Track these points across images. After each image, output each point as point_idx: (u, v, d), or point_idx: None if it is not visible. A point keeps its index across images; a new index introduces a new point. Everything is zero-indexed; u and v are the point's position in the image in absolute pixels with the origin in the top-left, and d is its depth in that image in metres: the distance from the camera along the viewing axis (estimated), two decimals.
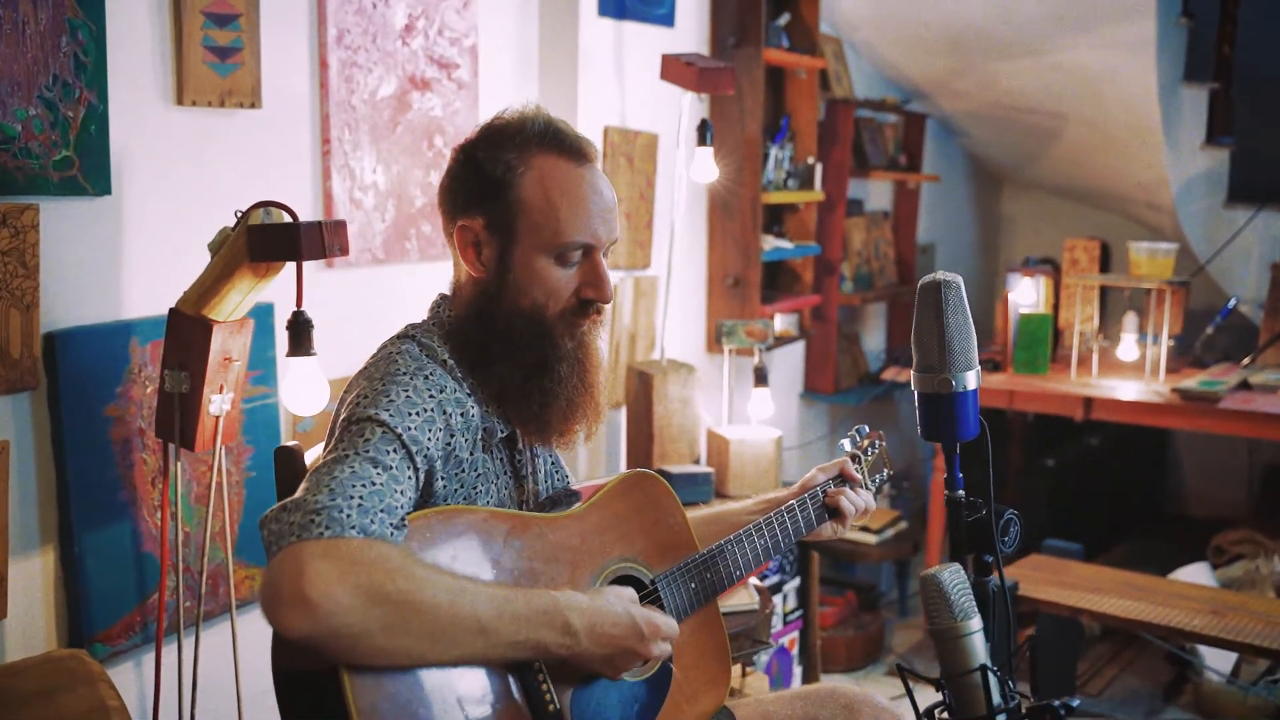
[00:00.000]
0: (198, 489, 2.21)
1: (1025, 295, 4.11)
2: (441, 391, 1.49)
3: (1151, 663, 3.82)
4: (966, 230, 5.63)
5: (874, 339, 4.94)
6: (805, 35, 3.96)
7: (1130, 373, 3.97)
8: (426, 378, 1.49)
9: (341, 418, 1.46)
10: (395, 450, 1.39)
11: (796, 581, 3.36)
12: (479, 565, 1.42)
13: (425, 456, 1.43)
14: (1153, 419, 3.81)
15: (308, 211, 2.48)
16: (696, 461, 3.23)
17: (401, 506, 1.35)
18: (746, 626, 2.41)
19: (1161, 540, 4.84)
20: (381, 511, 1.32)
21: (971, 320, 1.58)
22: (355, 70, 2.54)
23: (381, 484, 1.34)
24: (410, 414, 1.43)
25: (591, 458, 3.26)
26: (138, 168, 2.13)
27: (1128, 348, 4.00)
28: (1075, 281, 4.11)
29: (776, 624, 3.23)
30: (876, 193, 4.89)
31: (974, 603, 1.41)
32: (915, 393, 1.59)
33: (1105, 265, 4.64)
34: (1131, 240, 4.26)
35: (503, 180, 1.54)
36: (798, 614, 3.37)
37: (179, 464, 2.06)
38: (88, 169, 2.03)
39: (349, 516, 1.28)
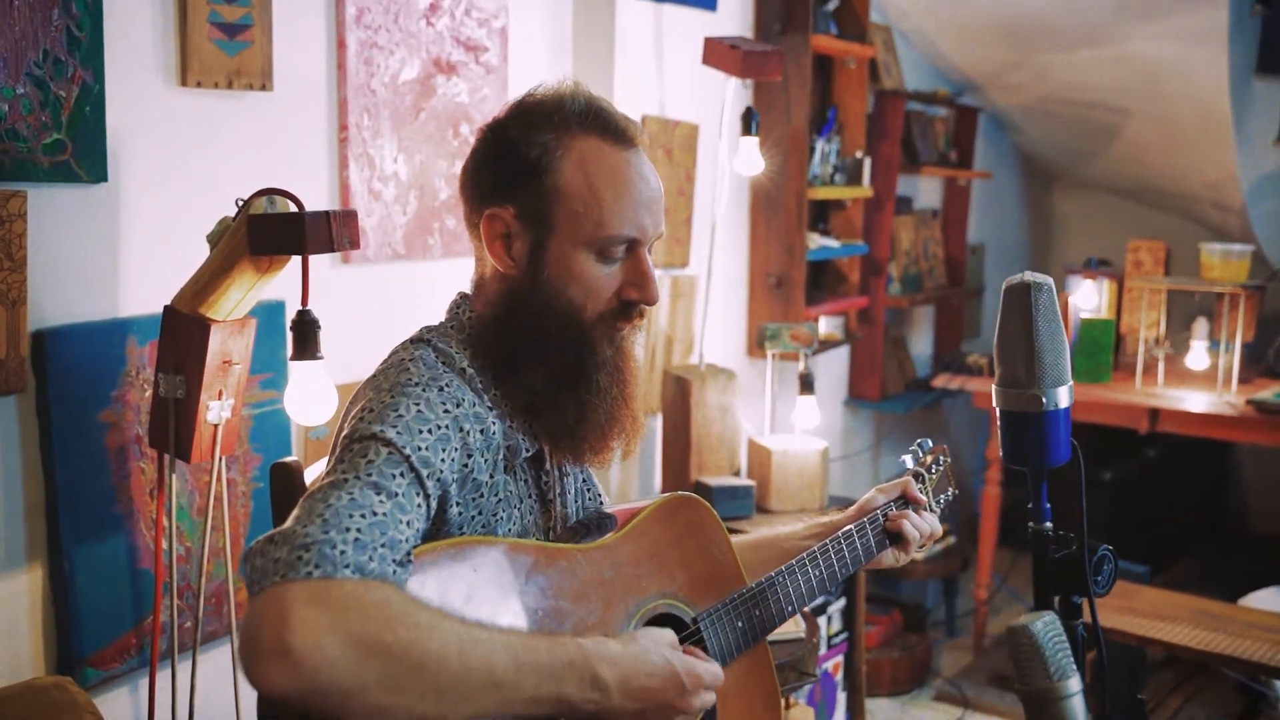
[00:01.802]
0: (200, 500, 2.04)
1: (1087, 299, 3.87)
2: (459, 405, 1.30)
3: (1220, 692, 3.59)
4: (1016, 230, 5.40)
5: (921, 343, 4.72)
6: (855, 22, 3.75)
7: (1198, 382, 3.73)
8: (441, 389, 1.31)
9: (343, 434, 1.28)
10: (402, 474, 1.21)
11: (842, 602, 3.16)
12: (497, 606, 1.24)
13: (438, 480, 1.25)
14: (1224, 432, 3.58)
15: (323, 203, 2.32)
16: (737, 473, 3.05)
17: (407, 540, 1.17)
18: (793, 657, 2.22)
19: (1224, 559, 4.60)
20: (382, 546, 1.13)
21: (1064, 328, 1.38)
22: (375, 52, 2.37)
23: (384, 514, 1.16)
24: (421, 431, 1.25)
25: (624, 470, 3.08)
26: (137, 153, 1.98)
27: (1198, 356, 3.76)
28: (1142, 284, 3.86)
29: (821, 647, 3.03)
30: (926, 190, 4.68)
31: (1072, 659, 1.21)
32: (998, 411, 1.40)
33: (1165, 268, 4.40)
34: (1194, 242, 4.02)
35: (538, 164, 1.36)
36: (843, 636, 3.17)
37: (174, 475, 1.89)
38: (81, 154, 1.87)
39: (343, 553, 1.10)
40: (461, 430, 1.29)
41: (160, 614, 1.94)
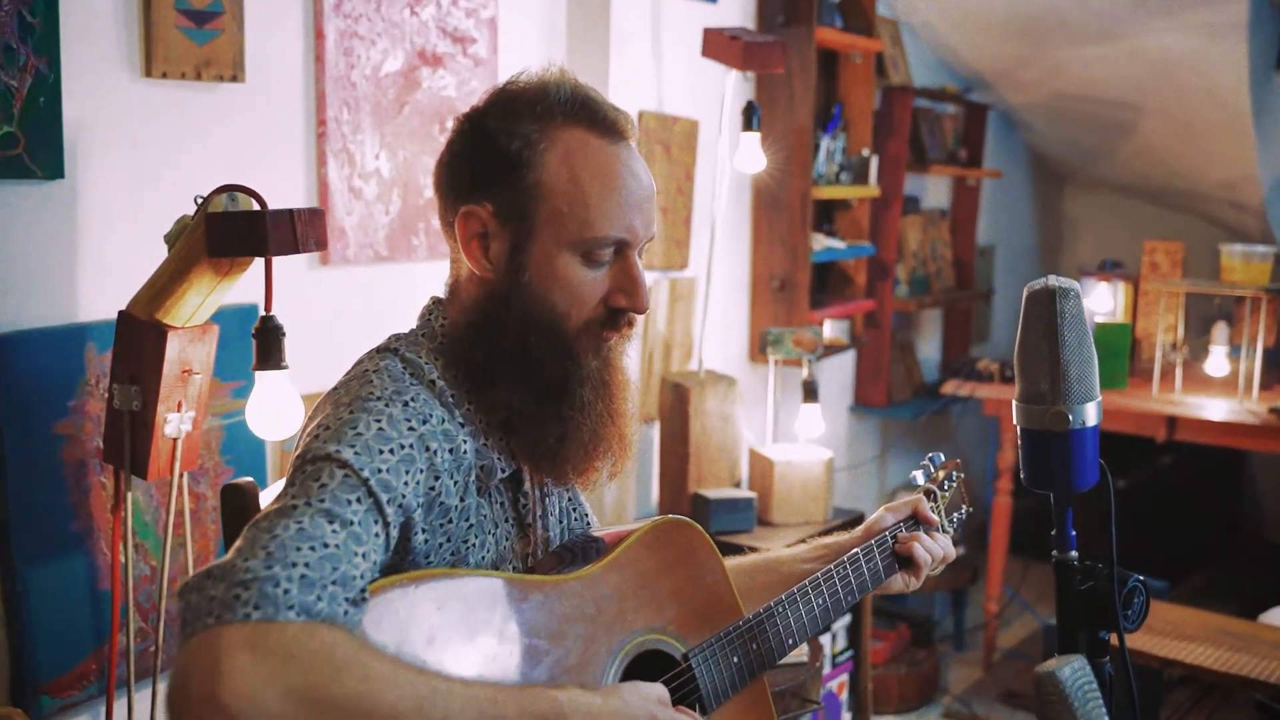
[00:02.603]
0: (165, 516, 1.92)
1: (1101, 302, 3.74)
2: (425, 423, 1.18)
3: (1238, 711, 3.45)
4: (1025, 231, 5.27)
5: (929, 347, 4.59)
6: (861, 15, 3.63)
7: (1218, 389, 3.60)
8: (406, 404, 1.18)
9: (296, 453, 1.16)
10: (359, 500, 1.09)
11: (847, 619, 3.03)
12: (463, 648, 1.12)
13: (400, 506, 1.13)
14: (1244, 441, 3.44)
15: (300, 201, 2.20)
16: (738, 485, 2.93)
17: (362, 575, 1.05)
18: (794, 683, 2.09)
19: (1240, 569, 4.47)
20: (333, 584, 1.01)
21: (1092, 339, 1.26)
22: (356, 42, 2.25)
23: (336, 545, 1.04)
24: (382, 452, 1.13)
25: (619, 482, 2.95)
26: (96, 148, 1.86)
27: (1217, 362, 3.62)
28: (1159, 287, 3.72)
29: (825, 666, 2.91)
30: (934, 189, 4.55)
31: (1104, 709, 1.08)
32: (1018, 429, 1.27)
33: (1182, 271, 4.26)
34: (1210, 243, 3.89)
35: (519, 157, 1.24)
36: (848, 654, 3.05)
37: (131, 491, 1.77)
38: (35, 148, 1.76)
39: (287, 592, 0.98)
40: (428, 450, 1.17)
41: (116, 637, 1.82)
